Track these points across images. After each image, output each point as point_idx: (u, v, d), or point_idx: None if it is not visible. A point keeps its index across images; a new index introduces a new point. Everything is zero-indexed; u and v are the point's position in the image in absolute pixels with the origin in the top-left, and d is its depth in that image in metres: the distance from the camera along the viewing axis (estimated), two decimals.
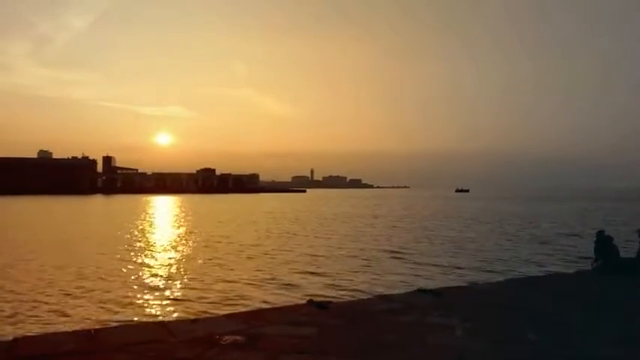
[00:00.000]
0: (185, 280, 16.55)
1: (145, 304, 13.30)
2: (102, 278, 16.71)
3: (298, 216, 53.95)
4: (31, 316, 11.80)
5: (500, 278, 14.55)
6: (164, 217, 54.06)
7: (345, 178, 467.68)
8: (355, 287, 15.17)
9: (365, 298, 10.81)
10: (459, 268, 18.94)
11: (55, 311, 12.33)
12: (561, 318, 6.67)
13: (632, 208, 69.85)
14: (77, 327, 9.81)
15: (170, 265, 20.04)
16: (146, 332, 5.70)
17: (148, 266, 19.66)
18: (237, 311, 9.72)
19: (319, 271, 18.25)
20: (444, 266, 19.26)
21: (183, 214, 57.22)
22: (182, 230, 36.37)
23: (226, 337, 5.37)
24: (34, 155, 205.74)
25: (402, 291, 12.14)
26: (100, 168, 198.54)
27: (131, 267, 19.23)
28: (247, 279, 16.62)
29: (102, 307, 12.80)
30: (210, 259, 21.14)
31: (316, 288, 15.06)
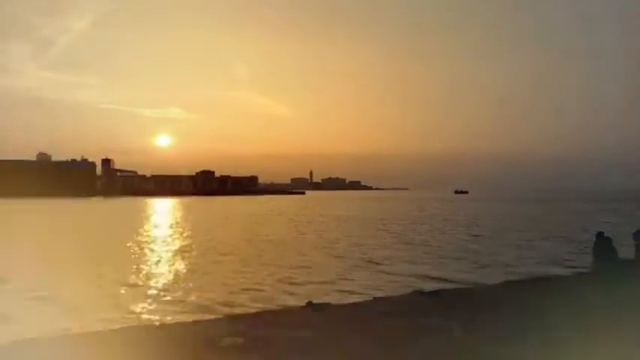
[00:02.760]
0: (184, 283, 16.56)
1: (145, 306, 13.31)
2: (100, 280, 16.71)
3: (296, 218, 53.98)
4: (29, 318, 11.80)
5: (499, 280, 14.57)
6: (162, 220, 54.05)
7: (345, 179, 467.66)
8: (354, 289, 15.16)
9: (363, 300, 10.82)
10: (456, 269, 18.94)
11: (54, 313, 12.33)
12: (561, 319, 6.70)
13: (631, 209, 69.92)
14: (76, 329, 9.82)
15: (169, 267, 20.05)
16: (146, 333, 5.73)
17: (147, 268, 19.66)
18: (237, 313, 9.73)
19: (317, 273, 18.26)
20: (442, 268, 19.27)
21: (181, 217, 57.24)
22: (180, 233, 36.37)
23: (226, 339, 5.40)
24: (33, 158, 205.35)
25: (400, 293, 12.16)
26: (99, 170, 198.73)
27: (130, 269, 19.23)
28: (247, 281, 16.63)
29: (102, 309, 12.80)
30: (209, 262, 21.15)
31: (315, 290, 15.05)
